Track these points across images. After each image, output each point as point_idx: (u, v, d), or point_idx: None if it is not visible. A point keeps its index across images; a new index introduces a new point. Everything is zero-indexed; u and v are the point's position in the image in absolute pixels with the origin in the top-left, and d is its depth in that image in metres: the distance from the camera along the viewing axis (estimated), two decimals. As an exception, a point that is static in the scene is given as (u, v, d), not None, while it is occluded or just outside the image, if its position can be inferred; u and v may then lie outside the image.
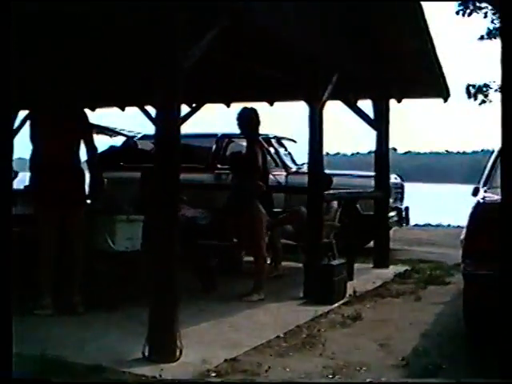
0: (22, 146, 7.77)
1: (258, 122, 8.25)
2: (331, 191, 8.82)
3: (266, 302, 7.56)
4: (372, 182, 10.73)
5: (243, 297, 7.65)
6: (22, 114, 12.55)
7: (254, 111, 8.26)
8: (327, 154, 17.45)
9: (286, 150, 13.02)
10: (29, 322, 6.27)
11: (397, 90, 10.46)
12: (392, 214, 11.81)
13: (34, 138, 7.01)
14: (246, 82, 10.02)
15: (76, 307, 6.75)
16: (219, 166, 12.37)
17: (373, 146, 10.56)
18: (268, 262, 9.68)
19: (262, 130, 8.84)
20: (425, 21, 9.04)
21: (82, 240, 6.90)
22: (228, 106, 11.79)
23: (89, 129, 7.29)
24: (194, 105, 11.57)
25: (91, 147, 7.13)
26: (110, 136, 14.45)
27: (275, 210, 9.27)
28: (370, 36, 9.23)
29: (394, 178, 12.14)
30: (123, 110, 12.75)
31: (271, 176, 10.25)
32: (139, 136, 14.03)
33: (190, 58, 5.32)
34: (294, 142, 13.64)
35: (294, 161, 12.91)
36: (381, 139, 10.36)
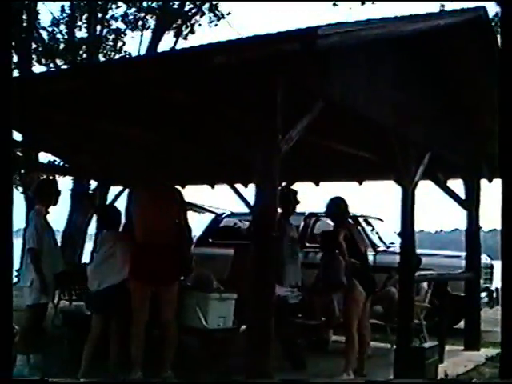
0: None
1: (345, 209, 8.39)
2: (423, 272, 8.78)
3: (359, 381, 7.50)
4: (461, 262, 10.63)
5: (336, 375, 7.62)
6: (116, 189, 13.11)
7: (342, 200, 8.40)
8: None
9: (373, 228, 13.01)
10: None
11: (487, 170, 10.40)
12: (482, 294, 11.62)
13: (129, 213, 7.25)
14: (335, 162, 10.17)
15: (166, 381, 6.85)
16: (307, 243, 12.44)
17: (458, 224, 10.50)
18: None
19: (351, 209, 8.90)
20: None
21: (175, 316, 7.03)
22: (317, 184, 11.95)
23: (184, 208, 7.47)
24: (283, 183, 11.73)
25: (185, 225, 7.33)
26: (199, 213, 14.77)
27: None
28: (460, 116, 9.27)
29: (484, 259, 11.96)
30: (213, 187, 13.04)
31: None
32: (227, 213, 14.31)
33: (288, 141, 5.50)
34: (381, 220, 13.67)
35: (381, 239, 12.88)
36: (471, 219, 10.27)
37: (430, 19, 6.41)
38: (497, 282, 13.02)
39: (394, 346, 9.13)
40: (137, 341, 6.87)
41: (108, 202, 12.92)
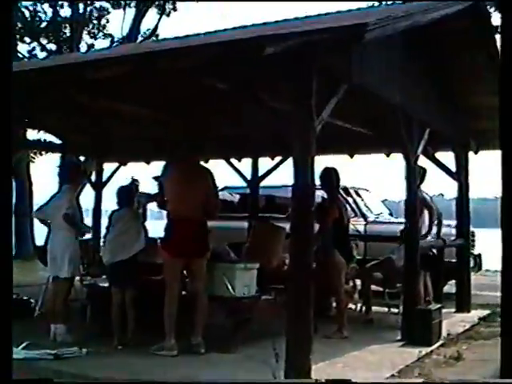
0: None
1: (337, 181, 8.93)
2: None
3: (369, 343, 8.06)
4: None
5: (328, 336, 8.29)
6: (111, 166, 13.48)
7: (334, 171, 8.92)
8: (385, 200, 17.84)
9: (362, 199, 13.58)
10: (156, 362, 6.91)
11: (474, 143, 11.05)
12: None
13: (161, 185, 7.70)
14: (332, 137, 10.65)
15: (198, 348, 7.30)
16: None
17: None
18: (359, 307, 10.30)
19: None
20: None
21: (205, 286, 7.51)
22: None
23: (215, 187, 7.93)
24: (280, 158, 12.23)
25: (215, 204, 7.80)
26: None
27: (357, 257, 9.88)
28: (453, 97, 9.91)
29: (467, 226, 12.59)
30: (207, 162, 13.43)
31: (351, 225, 10.86)
32: (220, 187, 14.75)
33: (321, 122, 6.01)
34: (368, 191, 14.26)
35: (370, 210, 13.46)
36: (461, 189, 10.91)
37: (440, 8, 6.91)
38: (479, 248, 13.75)
39: (393, 310, 9.81)
40: (170, 310, 7.29)
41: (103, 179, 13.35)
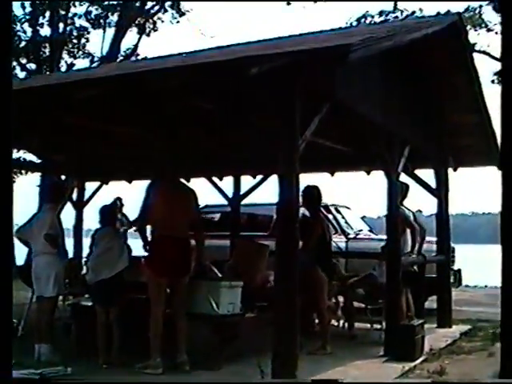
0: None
1: (319, 198, 9.01)
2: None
3: (353, 359, 8.11)
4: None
5: (312, 352, 8.26)
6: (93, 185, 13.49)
7: (316, 189, 9.00)
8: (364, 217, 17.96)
9: (343, 217, 13.68)
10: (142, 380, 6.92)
11: (453, 160, 11.20)
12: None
13: (145, 205, 7.66)
14: (314, 156, 10.76)
15: (182, 366, 7.30)
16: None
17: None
18: (341, 324, 10.37)
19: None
20: (483, 98, 9.81)
21: (184, 305, 7.53)
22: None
23: (198, 208, 7.98)
24: (261, 176, 12.31)
25: (198, 225, 7.88)
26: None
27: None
28: (432, 114, 10.05)
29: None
30: (188, 181, 13.46)
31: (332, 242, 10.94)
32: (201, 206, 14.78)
33: (304, 141, 6.10)
34: (349, 208, 14.37)
35: (350, 227, 13.56)
36: (441, 206, 11.03)
37: (421, 27, 7.05)
38: (458, 264, 13.88)
39: (375, 326, 9.86)
40: (155, 329, 7.29)
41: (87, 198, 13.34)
